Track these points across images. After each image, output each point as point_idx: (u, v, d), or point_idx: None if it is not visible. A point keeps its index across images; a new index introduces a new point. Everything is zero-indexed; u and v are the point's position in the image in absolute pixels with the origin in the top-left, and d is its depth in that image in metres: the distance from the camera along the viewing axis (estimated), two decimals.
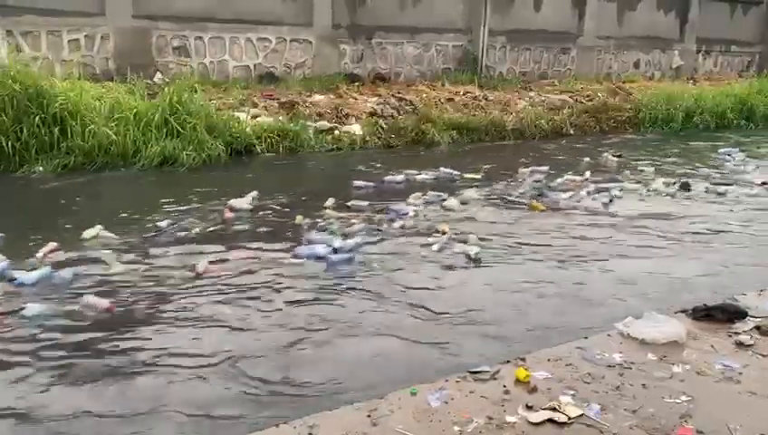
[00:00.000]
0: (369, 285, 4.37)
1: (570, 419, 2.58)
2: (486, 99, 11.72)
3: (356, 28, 12.29)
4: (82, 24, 9.86)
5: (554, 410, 2.63)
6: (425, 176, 7.64)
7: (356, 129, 9.63)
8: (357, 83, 11.87)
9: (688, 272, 4.73)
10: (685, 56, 17.48)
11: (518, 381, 2.87)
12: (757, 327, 3.42)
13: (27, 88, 7.29)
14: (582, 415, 2.60)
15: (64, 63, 9.65)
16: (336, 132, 9.44)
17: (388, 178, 7.43)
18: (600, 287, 4.43)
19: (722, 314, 3.57)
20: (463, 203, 6.51)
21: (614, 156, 9.21)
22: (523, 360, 3.09)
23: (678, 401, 2.72)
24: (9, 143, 7.07)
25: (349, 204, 6.28)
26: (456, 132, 10.24)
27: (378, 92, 11.42)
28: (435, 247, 5.11)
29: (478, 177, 7.75)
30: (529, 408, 2.65)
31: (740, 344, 3.26)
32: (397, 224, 5.72)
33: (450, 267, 4.77)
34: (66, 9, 9.67)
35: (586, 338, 3.35)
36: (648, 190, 7.30)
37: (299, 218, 5.71)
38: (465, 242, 5.23)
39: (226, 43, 11.15)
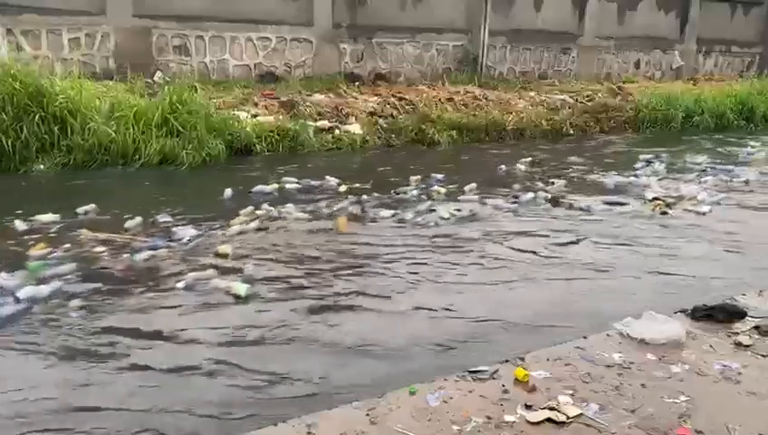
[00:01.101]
0: None
1: (568, 418, 2.57)
2: (486, 99, 11.72)
3: (356, 28, 12.29)
4: (83, 22, 9.86)
5: (553, 409, 2.63)
6: (296, 185, 6.93)
7: (356, 128, 9.63)
8: (357, 83, 11.88)
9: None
10: (685, 57, 17.47)
11: (517, 381, 2.87)
12: (756, 327, 3.42)
13: (27, 86, 7.30)
14: (581, 415, 2.60)
15: (65, 62, 9.65)
16: (336, 132, 9.45)
17: (256, 188, 6.72)
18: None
19: (722, 315, 3.57)
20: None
21: (531, 164, 8.54)
22: (522, 359, 3.08)
23: (677, 401, 2.72)
24: (9, 142, 7.07)
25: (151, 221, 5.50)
26: (455, 132, 10.24)
27: (378, 92, 11.41)
28: (180, 284, 4.24)
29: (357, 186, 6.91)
30: (528, 407, 2.65)
31: (739, 345, 3.26)
32: (141, 256, 4.69)
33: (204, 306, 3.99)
34: (66, 8, 9.68)
35: (585, 338, 3.34)
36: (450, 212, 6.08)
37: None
38: (237, 272, 4.47)
39: (227, 42, 11.15)
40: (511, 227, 5.77)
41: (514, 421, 2.56)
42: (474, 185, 7.12)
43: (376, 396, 2.75)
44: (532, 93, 12.62)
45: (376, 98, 11.04)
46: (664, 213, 6.38)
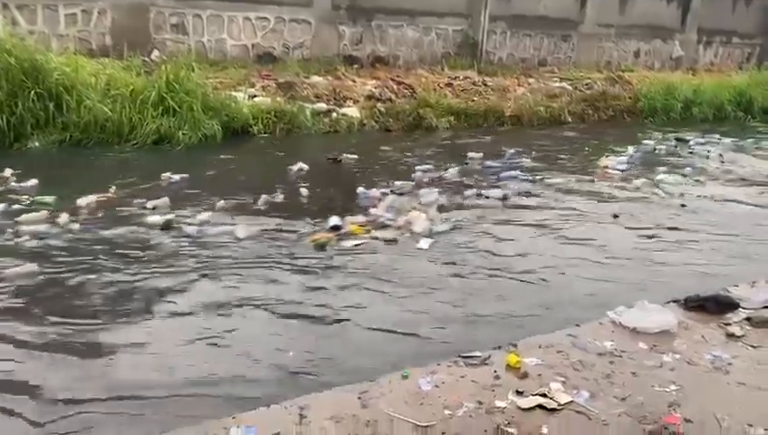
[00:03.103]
0: None
1: (559, 405, 2.59)
2: (485, 84, 11.67)
3: (356, 10, 12.18)
4: None
5: (544, 396, 2.65)
6: None
7: (354, 112, 9.59)
8: (355, 66, 11.81)
9: None
10: (685, 46, 17.39)
11: (509, 367, 2.88)
12: (748, 319, 3.44)
13: (23, 62, 7.21)
14: (572, 402, 2.62)
15: (60, 38, 9.54)
16: (334, 115, 9.40)
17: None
18: None
19: (714, 305, 3.59)
20: None
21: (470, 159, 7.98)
22: (515, 346, 3.10)
23: (667, 389, 2.74)
24: (4, 117, 7.01)
25: None
26: (453, 118, 10.20)
27: (376, 75, 11.35)
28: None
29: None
30: (519, 393, 2.67)
31: (730, 335, 3.28)
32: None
33: None
34: None
35: (578, 326, 3.36)
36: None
37: None
38: None
39: (225, 21, 11.04)
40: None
41: (505, 407, 2.57)
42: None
43: (368, 380, 2.76)
44: (531, 80, 12.58)
45: (374, 81, 10.98)
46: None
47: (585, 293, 4.17)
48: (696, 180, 7.48)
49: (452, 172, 7.21)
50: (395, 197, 6.06)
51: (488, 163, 7.75)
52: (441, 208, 5.78)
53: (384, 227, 5.28)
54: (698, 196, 6.78)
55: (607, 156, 8.37)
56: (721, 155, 8.97)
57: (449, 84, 11.38)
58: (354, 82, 10.78)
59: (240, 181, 6.49)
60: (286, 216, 5.42)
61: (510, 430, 2.44)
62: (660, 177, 7.41)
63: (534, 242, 5.13)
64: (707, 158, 8.81)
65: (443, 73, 12.04)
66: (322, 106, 9.47)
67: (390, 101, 10.20)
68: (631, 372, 2.88)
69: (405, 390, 2.69)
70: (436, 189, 6.36)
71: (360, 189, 6.24)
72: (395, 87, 10.83)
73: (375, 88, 10.61)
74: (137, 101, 7.67)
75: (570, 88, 12.29)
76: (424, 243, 4.94)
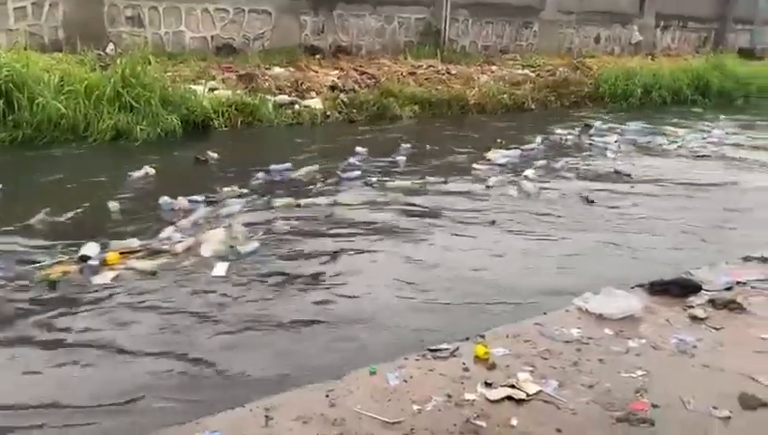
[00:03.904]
0: None
1: (528, 395, 2.58)
2: (449, 73, 11.66)
3: None
4: None
5: (513, 386, 2.63)
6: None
7: (317, 103, 9.47)
8: (318, 56, 11.68)
9: None
10: (644, 31, 17.64)
11: (477, 359, 2.86)
12: (711, 301, 3.48)
13: None
14: (540, 392, 2.61)
15: (10, 33, 9.21)
16: (296, 106, 9.26)
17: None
18: None
19: (678, 289, 3.62)
20: None
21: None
22: (483, 337, 3.08)
23: (634, 375, 2.75)
24: None
25: None
26: (418, 107, 10.16)
27: (339, 66, 11.25)
28: None
29: None
30: (488, 385, 2.65)
31: (694, 318, 3.31)
32: None
33: None
34: None
35: (545, 314, 3.36)
36: None
37: None
38: None
39: (182, 13, 10.80)
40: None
41: (474, 399, 2.55)
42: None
43: (335, 377, 2.71)
44: (494, 68, 12.61)
45: (337, 72, 10.88)
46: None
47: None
48: (562, 176, 6.81)
49: (305, 172, 6.37)
50: (206, 208, 5.14)
51: (351, 161, 6.89)
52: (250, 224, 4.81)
53: (157, 252, 4.23)
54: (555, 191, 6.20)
55: (497, 149, 7.63)
56: (618, 145, 8.51)
57: (412, 73, 11.33)
58: (316, 72, 10.66)
59: (64, 191, 5.63)
60: (46, 239, 4.44)
61: (479, 423, 2.41)
62: (526, 174, 6.67)
63: (351, 263, 4.28)
64: (605, 149, 8.26)
65: (406, 62, 11.99)
66: (285, 98, 9.33)
67: (354, 91, 10.10)
68: (598, 359, 2.89)
69: (373, 386, 2.65)
70: (242, 200, 5.37)
71: (163, 199, 5.18)
72: (358, 77, 10.74)
73: (338, 78, 10.50)
74: (92, 97, 7.43)
75: (532, 75, 12.36)
76: (219, 268, 4.01)
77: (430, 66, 11.84)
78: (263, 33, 11.59)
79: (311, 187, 6.02)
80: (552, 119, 10.41)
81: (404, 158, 7.21)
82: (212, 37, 11.14)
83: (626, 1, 17.11)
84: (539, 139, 8.49)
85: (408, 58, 12.29)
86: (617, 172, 7.09)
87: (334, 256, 4.40)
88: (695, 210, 5.80)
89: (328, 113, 9.40)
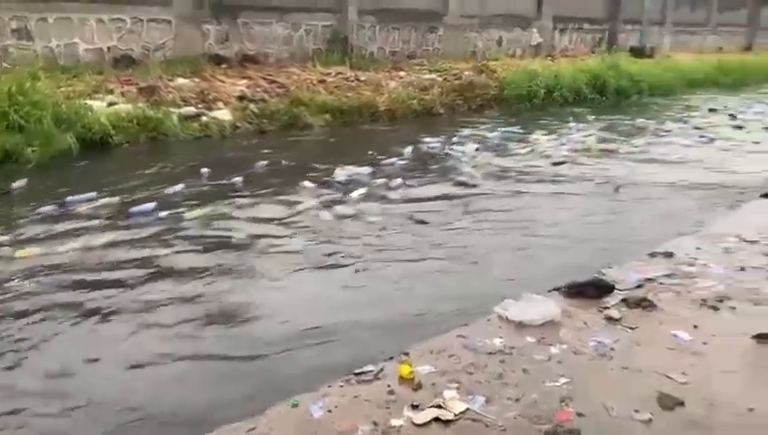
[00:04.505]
0: None
1: (455, 415, 2.52)
2: (358, 80, 11.63)
3: (220, 7, 11.70)
4: None
5: (440, 407, 2.57)
6: None
7: (225, 114, 9.18)
8: (223, 65, 11.35)
9: None
10: (543, 34, 18.34)
11: (402, 379, 2.78)
12: (624, 300, 3.57)
13: None
14: (467, 410, 2.56)
15: None
16: (203, 118, 8.95)
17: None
18: None
19: (593, 290, 3.70)
20: None
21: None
22: (407, 355, 3.01)
23: (558, 383, 2.75)
24: None
25: None
26: (329, 115, 10.06)
27: (247, 75, 10.99)
28: None
29: None
30: (414, 407, 2.57)
31: (610, 319, 3.38)
32: None
33: None
34: None
35: (466, 325, 3.34)
36: None
37: None
38: None
39: (74, 24, 10.20)
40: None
41: (401, 425, 2.47)
42: None
43: (255, 414, 2.56)
44: (402, 73, 12.70)
45: (245, 81, 10.62)
46: None
47: None
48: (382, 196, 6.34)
49: (102, 203, 5.71)
50: None
51: (176, 189, 6.18)
52: None
53: None
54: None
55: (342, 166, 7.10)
56: (477, 151, 8.38)
57: (322, 81, 11.23)
58: (223, 82, 10.36)
59: None
60: None
61: None
62: (353, 195, 6.22)
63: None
64: (461, 158, 8.04)
65: (315, 70, 11.87)
66: (191, 110, 9.00)
67: (263, 101, 9.89)
68: (522, 369, 2.88)
69: (296, 420, 2.52)
70: None
71: None
72: (267, 86, 10.52)
73: (246, 88, 10.25)
74: None
75: (440, 79, 12.54)
76: None
77: (339, 73, 11.77)
78: (163, 44, 11.13)
79: (94, 223, 5.26)
80: (444, 124, 10.48)
81: (240, 179, 6.58)
82: (109, 49, 10.59)
83: (524, 4, 17.72)
84: (409, 149, 8.19)
85: (316, 66, 12.16)
86: (461, 184, 6.85)
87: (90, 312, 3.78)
88: (571, 212, 5.95)
89: (237, 124, 9.15)
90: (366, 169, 7.18)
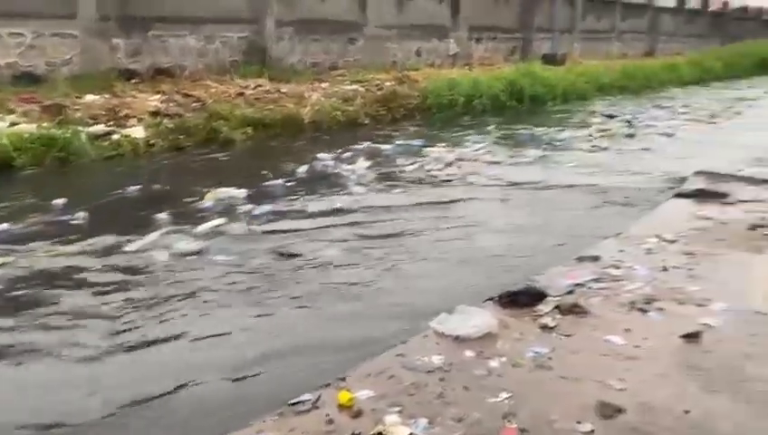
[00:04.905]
0: None
1: None
2: (279, 92, 11.43)
3: (129, 20, 11.23)
4: None
5: (381, 434, 2.46)
6: None
7: (138, 131, 8.75)
8: (135, 80, 10.88)
9: None
10: (459, 43, 18.70)
11: (341, 407, 2.65)
12: (557, 307, 3.58)
13: None
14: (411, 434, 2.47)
15: None
16: (115, 136, 8.49)
17: None
18: None
19: (526, 298, 3.69)
20: None
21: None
22: (344, 380, 2.89)
23: (499, 399, 2.70)
24: None
25: None
26: (251, 129, 9.80)
27: (160, 89, 10.57)
28: None
29: None
30: None
31: (545, 327, 3.37)
32: None
33: None
34: None
35: (404, 343, 3.25)
36: None
37: None
38: None
39: None
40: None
41: None
42: None
43: None
44: (324, 85, 12.59)
45: (159, 96, 10.21)
46: None
47: None
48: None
49: None
50: None
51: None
52: None
53: None
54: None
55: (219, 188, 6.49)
56: (367, 169, 7.87)
57: (241, 94, 10.96)
58: (135, 97, 9.91)
59: None
60: None
61: None
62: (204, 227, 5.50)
63: None
64: (349, 176, 7.58)
65: (233, 83, 11.59)
66: (101, 128, 8.53)
67: (179, 116, 9.51)
68: (463, 386, 2.81)
69: None
70: None
71: None
72: (183, 100, 10.15)
73: (160, 103, 9.84)
74: None
75: (362, 90, 12.50)
76: None
77: (259, 86, 11.54)
78: (69, 59, 10.56)
79: None
80: (362, 136, 10.14)
81: (85, 214, 5.69)
82: (7, 65, 9.94)
83: (440, 15, 18.02)
84: (304, 168, 7.73)
85: (234, 78, 11.86)
86: (339, 208, 6.27)
87: None
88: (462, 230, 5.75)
89: (152, 142, 8.73)
90: (242, 193, 6.45)
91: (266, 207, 6.11)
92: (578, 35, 23.58)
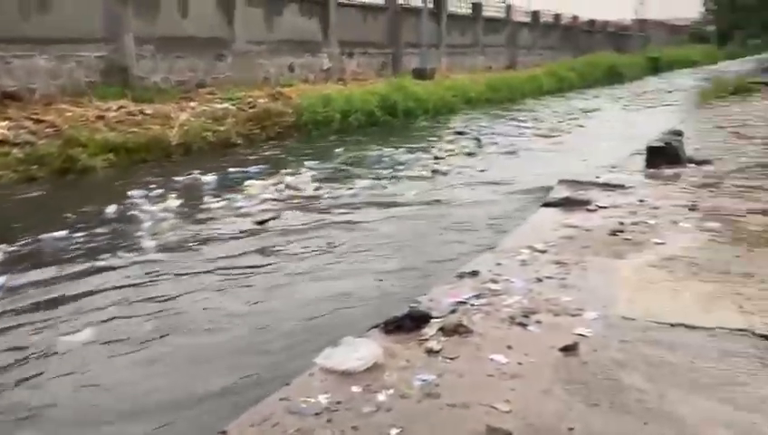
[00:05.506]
0: None
1: None
2: (143, 113, 10.83)
3: None
4: None
5: None
6: None
7: None
8: None
9: None
10: (332, 59, 18.75)
11: None
12: (441, 328, 3.56)
13: None
14: None
15: None
16: None
17: None
18: None
19: (410, 322, 3.65)
20: None
21: None
22: (224, 433, 2.68)
23: None
24: None
25: None
26: (113, 154, 9.18)
27: (7, 115, 9.64)
28: None
29: None
30: None
31: (430, 352, 3.33)
32: None
33: None
34: None
35: (288, 385, 3.08)
36: None
37: None
38: None
39: None
40: None
41: None
42: None
43: None
44: (193, 103, 12.10)
45: (6, 122, 9.31)
46: None
47: None
48: None
49: None
50: None
51: None
52: None
53: None
54: None
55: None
56: (165, 213, 7.25)
57: (101, 117, 10.27)
58: None
59: None
60: None
61: None
62: None
63: None
64: (145, 222, 6.93)
65: (92, 105, 10.83)
66: None
67: (29, 144, 8.71)
68: (352, 426, 2.70)
69: None
70: None
71: None
72: (33, 127, 9.33)
73: (7, 130, 8.98)
74: None
75: (233, 108, 12.14)
76: None
77: (121, 107, 10.87)
78: None
79: None
80: (229, 159, 9.76)
81: None
82: None
83: (311, 30, 17.99)
84: (113, 208, 7.13)
85: (93, 100, 11.09)
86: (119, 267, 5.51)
87: None
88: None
89: None
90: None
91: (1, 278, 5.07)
92: (444, 50, 24.47)
